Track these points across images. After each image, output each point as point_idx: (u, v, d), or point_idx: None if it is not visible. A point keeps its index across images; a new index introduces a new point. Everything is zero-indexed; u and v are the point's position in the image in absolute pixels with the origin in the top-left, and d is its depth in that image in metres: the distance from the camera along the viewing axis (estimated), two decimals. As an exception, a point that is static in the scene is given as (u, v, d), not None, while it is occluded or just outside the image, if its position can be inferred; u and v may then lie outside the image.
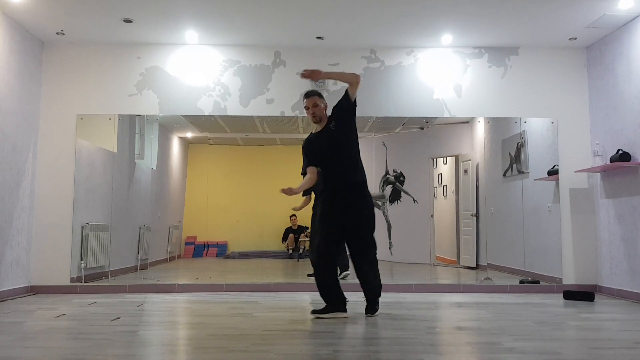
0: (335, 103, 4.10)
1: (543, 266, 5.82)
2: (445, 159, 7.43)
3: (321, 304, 4.03)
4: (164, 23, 5.21)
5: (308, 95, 4.11)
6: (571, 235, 5.63)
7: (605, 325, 3.77)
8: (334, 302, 3.97)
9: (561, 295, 5.23)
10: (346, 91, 4.07)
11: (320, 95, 4.13)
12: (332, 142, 4.04)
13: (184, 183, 8.92)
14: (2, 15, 4.90)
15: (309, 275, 5.78)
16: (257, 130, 6.86)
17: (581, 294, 5.02)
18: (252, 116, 5.82)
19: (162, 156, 7.39)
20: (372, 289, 4.04)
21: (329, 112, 4.19)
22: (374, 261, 4.06)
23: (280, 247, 8.94)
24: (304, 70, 4.01)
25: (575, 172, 5.61)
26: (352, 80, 4.05)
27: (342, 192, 4.02)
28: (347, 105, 4.07)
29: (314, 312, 3.99)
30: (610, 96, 5.34)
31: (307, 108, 4.11)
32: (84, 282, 5.49)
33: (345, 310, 3.97)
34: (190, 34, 5.50)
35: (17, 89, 5.15)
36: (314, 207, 5.59)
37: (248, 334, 3.34)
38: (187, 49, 5.77)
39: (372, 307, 4.02)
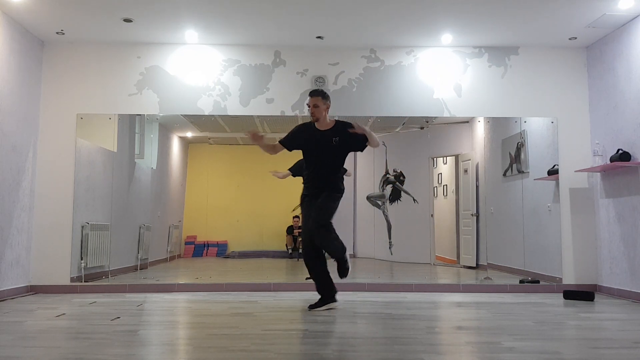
0: (334, 102, 4.14)
1: (543, 266, 5.82)
2: (445, 158, 7.43)
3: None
4: (164, 23, 5.21)
5: (312, 94, 4.40)
6: (571, 235, 5.63)
7: (605, 324, 3.77)
8: (326, 294, 4.32)
9: (561, 294, 5.23)
10: (366, 142, 4.27)
11: (324, 97, 4.37)
12: (328, 153, 4.34)
13: (184, 183, 8.92)
14: (2, 15, 4.90)
15: (307, 278, 5.78)
16: (257, 130, 6.85)
17: (581, 294, 5.03)
18: (252, 116, 5.82)
19: (162, 156, 7.38)
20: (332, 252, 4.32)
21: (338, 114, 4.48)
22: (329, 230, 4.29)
23: (280, 247, 8.94)
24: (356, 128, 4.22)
25: (575, 171, 5.61)
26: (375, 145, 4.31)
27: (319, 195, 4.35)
28: (359, 146, 4.37)
29: (310, 307, 4.29)
30: (610, 96, 5.34)
31: (308, 105, 4.42)
32: (84, 281, 5.49)
33: (335, 300, 4.36)
34: (190, 34, 5.50)
35: (17, 89, 5.15)
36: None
37: (248, 334, 3.34)
38: (187, 48, 5.77)
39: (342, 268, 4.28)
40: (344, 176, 4.70)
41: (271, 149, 4.49)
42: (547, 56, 5.81)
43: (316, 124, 4.38)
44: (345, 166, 4.52)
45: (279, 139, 4.50)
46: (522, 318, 3.97)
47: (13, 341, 3.12)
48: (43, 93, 5.62)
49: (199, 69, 5.76)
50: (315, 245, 4.28)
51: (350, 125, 4.27)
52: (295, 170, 5.92)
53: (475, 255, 6.62)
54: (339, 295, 4.39)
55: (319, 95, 4.36)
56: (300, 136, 4.43)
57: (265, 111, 5.77)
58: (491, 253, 6.31)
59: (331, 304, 4.32)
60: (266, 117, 5.88)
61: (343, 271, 4.27)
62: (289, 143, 4.46)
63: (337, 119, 4.60)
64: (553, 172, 5.75)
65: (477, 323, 3.79)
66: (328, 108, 4.43)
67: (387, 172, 6.86)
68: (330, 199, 4.31)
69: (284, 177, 6.22)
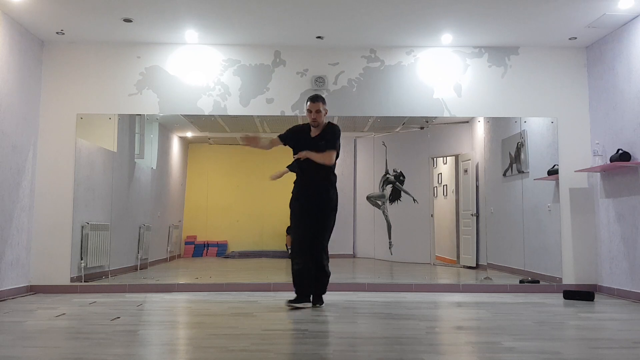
0: (334, 102, 4.14)
1: (543, 266, 5.82)
2: (445, 158, 7.43)
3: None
4: (164, 22, 5.21)
5: (313, 99, 4.45)
6: (571, 235, 5.63)
7: (605, 324, 3.77)
8: (305, 292, 4.40)
9: (561, 294, 5.23)
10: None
11: (324, 102, 4.47)
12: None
13: (184, 183, 8.92)
14: (2, 15, 4.90)
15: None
16: (257, 130, 6.85)
17: (581, 294, 5.03)
18: (252, 116, 5.83)
19: (162, 156, 7.38)
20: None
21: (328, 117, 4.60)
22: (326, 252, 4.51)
23: (280, 247, 8.94)
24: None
25: (575, 171, 5.61)
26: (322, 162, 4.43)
27: (312, 196, 4.44)
28: (335, 147, 4.46)
29: (289, 302, 4.38)
30: (610, 96, 5.34)
31: (309, 111, 4.45)
32: (84, 281, 5.49)
33: (310, 301, 4.44)
34: (190, 34, 5.50)
35: (17, 89, 5.15)
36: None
37: (248, 334, 3.34)
38: (187, 48, 5.77)
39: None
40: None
41: (267, 145, 4.60)
42: (547, 56, 5.81)
43: (312, 129, 4.48)
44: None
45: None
46: (522, 318, 3.97)
47: (13, 341, 3.12)
48: (43, 93, 5.62)
49: (199, 69, 5.76)
50: (310, 244, 4.40)
51: (332, 127, 4.46)
52: (292, 168, 5.93)
53: (475, 255, 6.62)
54: (339, 295, 4.40)
55: (319, 101, 4.44)
56: (296, 137, 4.54)
57: (265, 111, 5.77)
58: (491, 253, 6.31)
59: (306, 303, 4.40)
60: (266, 117, 5.88)
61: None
62: (285, 139, 4.58)
63: (330, 120, 4.72)
64: (553, 172, 5.75)
65: (477, 323, 3.79)
66: (326, 113, 4.53)
67: (387, 172, 6.86)
68: (331, 218, 4.48)
69: (282, 174, 6.25)
